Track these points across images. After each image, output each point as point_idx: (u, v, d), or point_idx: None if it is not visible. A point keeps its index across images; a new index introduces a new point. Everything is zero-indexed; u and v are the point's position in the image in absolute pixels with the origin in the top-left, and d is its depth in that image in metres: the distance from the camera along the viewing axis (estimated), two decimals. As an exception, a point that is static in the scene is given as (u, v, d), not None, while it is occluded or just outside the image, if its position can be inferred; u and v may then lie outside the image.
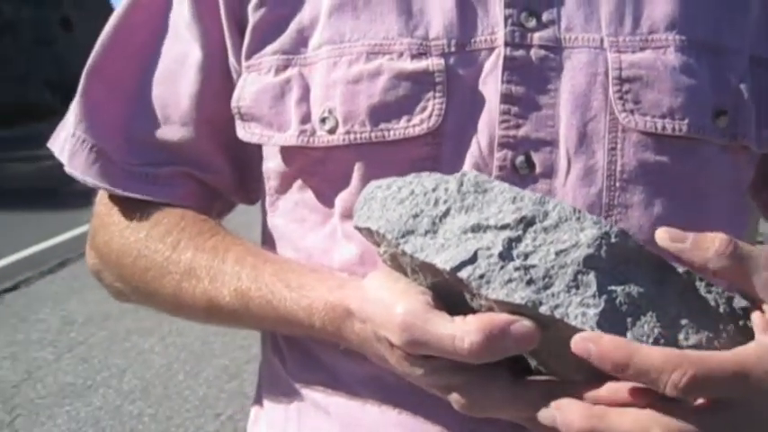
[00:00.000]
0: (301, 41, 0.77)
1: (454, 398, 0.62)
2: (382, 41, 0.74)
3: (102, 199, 0.90)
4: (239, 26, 0.80)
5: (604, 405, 0.58)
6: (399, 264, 0.65)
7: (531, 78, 0.72)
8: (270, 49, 0.78)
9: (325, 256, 0.78)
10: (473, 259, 0.59)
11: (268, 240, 0.86)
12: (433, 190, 0.63)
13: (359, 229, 0.67)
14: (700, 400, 0.57)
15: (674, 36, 0.73)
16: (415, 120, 0.72)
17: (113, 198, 0.87)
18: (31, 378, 4.21)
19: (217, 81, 0.83)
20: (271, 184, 0.82)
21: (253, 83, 0.78)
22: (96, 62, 0.87)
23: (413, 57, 0.73)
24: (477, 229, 0.60)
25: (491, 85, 0.72)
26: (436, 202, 0.63)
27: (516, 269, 0.58)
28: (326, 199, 0.77)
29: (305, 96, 0.76)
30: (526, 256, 0.59)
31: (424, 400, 0.69)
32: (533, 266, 0.58)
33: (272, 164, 0.81)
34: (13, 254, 6.77)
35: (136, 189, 0.85)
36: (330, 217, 0.77)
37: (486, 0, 0.74)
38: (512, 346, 0.57)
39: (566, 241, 0.59)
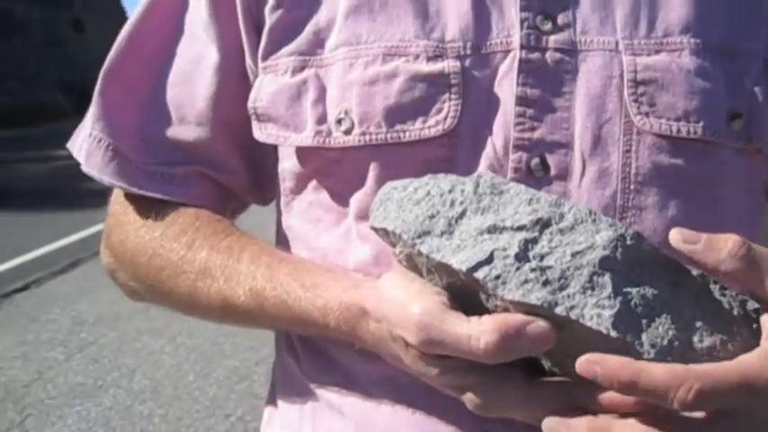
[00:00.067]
0: (318, 43, 0.77)
1: (468, 398, 0.63)
2: (398, 43, 0.74)
3: (117, 198, 0.90)
4: (256, 27, 0.81)
5: (616, 406, 0.58)
6: (415, 264, 0.65)
7: (547, 81, 0.73)
8: (286, 50, 0.78)
9: (339, 256, 0.78)
10: (489, 260, 0.59)
11: (282, 241, 0.86)
12: (450, 191, 0.64)
13: (375, 229, 0.67)
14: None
15: (688, 39, 0.74)
16: (431, 121, 0.72)
17: (129, 197, 0.88)
18: (42, 378, 4.22)
19: (233, 82, 0.83)
20: (286, 184, 0.83)
21: (269, 84, 0.79)
22: (113, 65, 0.88)
23: (429, 59, 0.73)
24: (493, 230, 0.61)
25: (506, 87, 0.73)
26: (452, 204, 0.63)
27: (532, 270, 0.58)
28: (341, 199, 0.78)
29: (321, 97, 0.76)
30: (542, 257, 0.59)
31: (438, 400, 0.69)
32: (549, 267, 0.58)
33: (287, 164, 0.81)
34: (24, 254, 6.80)
35: (152, 188, 0.85)
36: (345, 217, 0.78)
37: (501, 3, 0.74)
38: (527, 347, 0.58)
39: (581, 243, 0.59)
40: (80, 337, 4.83)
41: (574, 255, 0.59)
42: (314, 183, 0.80)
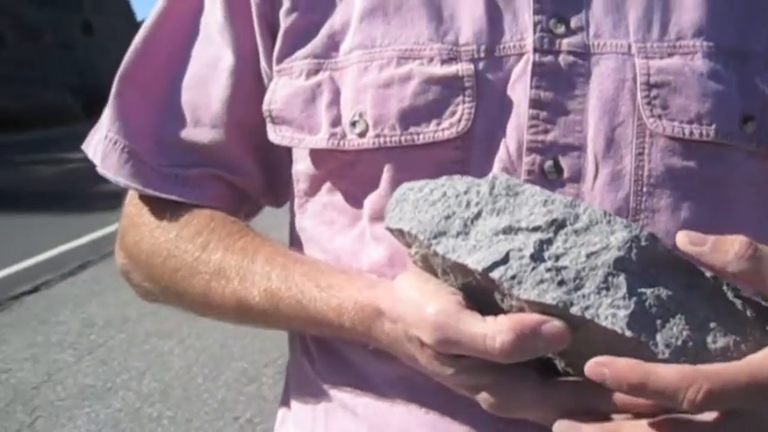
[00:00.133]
0: (332, 46, 0.78)
1: (483, 397, 0.63)
2: (413, 46, 0.75)
3: (132, 200, 0.91)
4: (271, 31, 0.81)
5: (629, 407, 0.59)
6: (430, 265, 0.65)
7: (560, 84, 0.73)
8: (301, 53, 0.79)
9: (353, 257, 0.79)
10: (505, 260, 0.59)
11: (296, 242, 0.87)
12: (465, 192, 0.64)
13: (390, 230, 0.68)
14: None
15: (701, 42, 0.74)
16: (445, 124, 0.73)
17: (144, 199, 0.89)
18: (51, 380, 4.24)
19: (248, 85, 0.84)
20: (300, 186, 0.83)
21: (284, 87, 0.80)
22: (128, 68, 0.88)
23: (443, 62, 0.74)
24: (508, 230, 0.61)
25: (520, 90, 0.73)
26: (468, 205, 0.63)
27: (548, 270, 0.59)
28: (355, 201, 0.78)
29: (335, 100, 0.77)
30: (557, 257, 0.59)
31: (452, 400, 0.70)
32: (564, 268, 0.59)
33: (301, 166, 0.82)
34: (33, 256, 6.82)
35: (166, 190, 0.86)
36: (359, 219, 0.78)
37: (515, 7, 0.75)
38: (542, 346, 0.58)
39: (596, 244, 0.60)
40: (89, 340, 4.84)
41: (589, 255, 0.59)
42: (328, 185, 0.80)
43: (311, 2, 0.79)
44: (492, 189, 0.64)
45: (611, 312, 0.57)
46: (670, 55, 0.73)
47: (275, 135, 0.81)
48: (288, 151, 0.83)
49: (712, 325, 0.59)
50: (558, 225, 0.61)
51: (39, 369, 4.39)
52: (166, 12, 0.88)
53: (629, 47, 0.73)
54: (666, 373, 0.55)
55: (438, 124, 0.73)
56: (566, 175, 0.73)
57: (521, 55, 0.74)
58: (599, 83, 0.73)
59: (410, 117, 0.73)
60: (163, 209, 0.87)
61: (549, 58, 0.73)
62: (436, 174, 0.68)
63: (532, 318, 0.58)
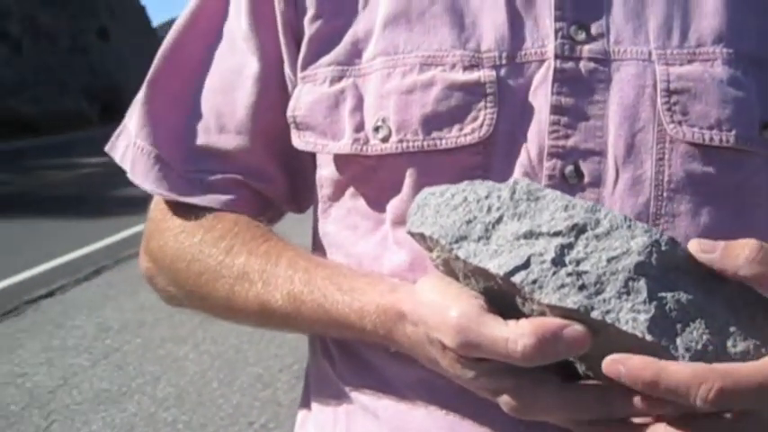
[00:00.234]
0: (356, 53, 0.79)
1: (504, 400, 0.64)
2: (435, 53, 0.76)
3: (157, 204, 0.92)
4: (295, 38, 0.82)
5: (650, 410, 0.59)
6: (451, 269, 0.66)
7: (581, 90, 0.74)
8: (325, 60, 0.80)
9: (375, 262, 0.79)
10: (526, 264, 0.60)
11: (319, 247, 0.87)
12: (486, 197, 0.65)
13: (412, 234, 0.68)
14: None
15: (721, 49, 0.75)
16: (467, 129, 0.74)
17: (169, 204, 0.90)
18: (67, 384, 4.26)
19: (273, 92, 0.85)
20: (324, 191, 0.84)
21: (308, 93, 0.81)
22: (155, 75, 0.90)
23: (465, 68, 0.74)
24: (529, 235, 0.62)
25: (541, 96, 0.74)
26: (489, 209, 0.64)
27: (569, 275, 0.59)
28: (378, 206, 0.79)
29: (359, 106, 0.77)
30: (578, 262, 0.60)
31: (473, 403, 0.70)
32: (585, 272, 0.59)
33: (325, 172, 0.83)
34: (49, 261, 6.85)
35: (192, 195, 0.87)
36: (381, 224, 0.79)
37: (536, 14, 0.75)
38: (564, 350, 0.59)
39: (617, 248, 0.60)
40: (105, 344, 4.86)
41: (609, 260, 0.60)
42: (351, 190, 0.81)
43: (335, 9, 0.80)
44: (513, 194, 0.64)
45: (632, 317, 0.58)
46: (690, 61, 0.74)
47: (299, 141, 0.82)
48: (312, 157, 0.84)
49: (732, 329, 0.60)
50: (578, 230, 0.61)
51: (54, 373, 4.41)
52: (194, 18, 0.90)
53: (650, 53, 0.74)
54: (679, 371, 0.56)
55: (460, 130, 0.74)
56: (586, 179, 0.73)
57: (542, 61, 0.74)
58: (619, 89, 0.74)
59: (432, 122, 0.74)
60: (188, 214, 0.88)
61: (569, 65, 0.74)
62: (458, 179, 0.69)
63: (554, 321, 0.59)
